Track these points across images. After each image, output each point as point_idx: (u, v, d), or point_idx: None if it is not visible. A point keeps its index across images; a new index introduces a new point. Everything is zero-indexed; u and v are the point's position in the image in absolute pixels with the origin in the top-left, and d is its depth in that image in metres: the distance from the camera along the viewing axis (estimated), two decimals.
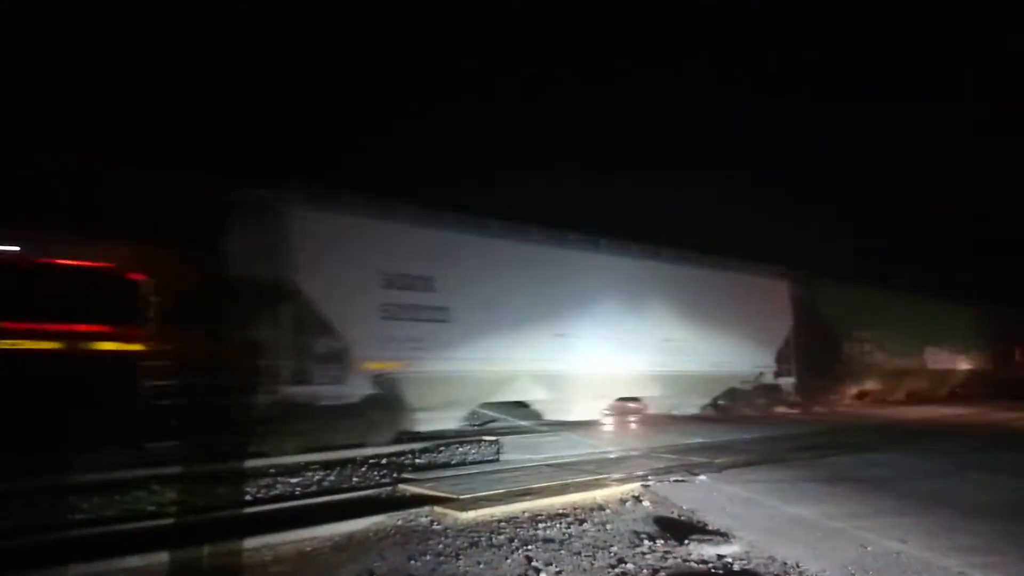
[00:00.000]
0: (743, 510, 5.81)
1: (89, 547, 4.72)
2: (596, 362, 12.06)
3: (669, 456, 8.86)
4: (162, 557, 4.46)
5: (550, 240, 12.05)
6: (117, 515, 5.97)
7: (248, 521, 5.61)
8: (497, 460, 8.77)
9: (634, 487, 6.65)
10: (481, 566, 4.42)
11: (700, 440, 10.57)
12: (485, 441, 9.69)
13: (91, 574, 4.23)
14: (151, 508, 6.20)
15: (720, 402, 14.83)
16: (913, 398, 21.08)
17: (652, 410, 13.78)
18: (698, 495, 6.36)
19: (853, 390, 18.89)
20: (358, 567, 4.41)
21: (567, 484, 6.82)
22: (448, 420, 10.36)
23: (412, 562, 4.50)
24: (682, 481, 6.95)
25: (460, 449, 9.13)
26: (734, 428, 12.20)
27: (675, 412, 14.03)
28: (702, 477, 7.10)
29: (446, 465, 8.39)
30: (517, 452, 9.13)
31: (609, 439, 10.56)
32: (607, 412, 13.16)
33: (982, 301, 24.62)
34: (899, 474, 7.52)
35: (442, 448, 9.04)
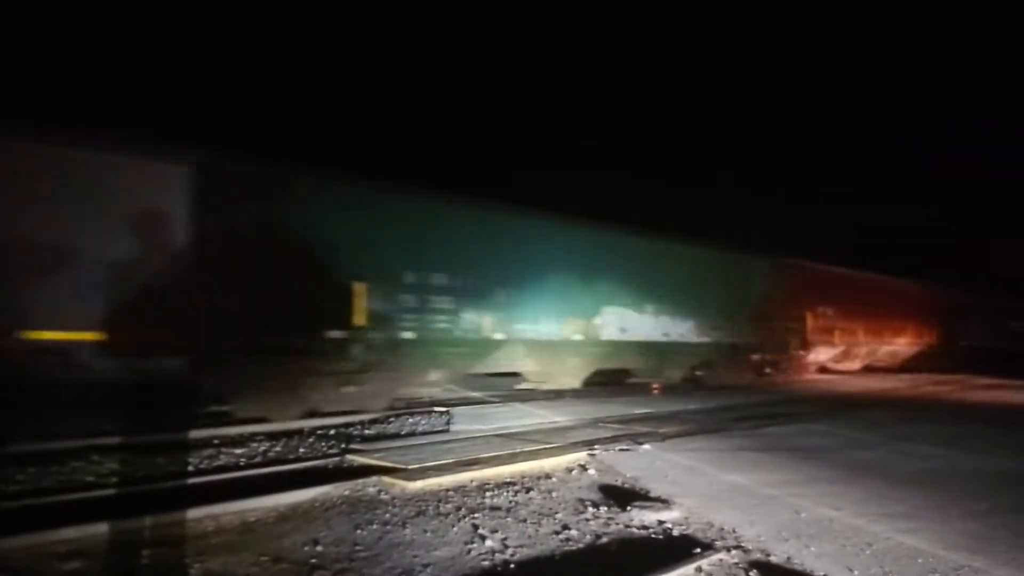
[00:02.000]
0: (684, 478, 5.99)
1: (22, 519, 4.59)
2: None
3: (616, 426, 9.05)
4: (100, 528, 4.37)
5: None
6: (53, 486, 5.80)
7: (190, 492, 5.53)
8: (447, 431, 8.81)
9: (580, 456, 6.79)
10: (428, 534, 4.47)
11: (647, 411, 10.83)
12: (435, 412, 9.71)
13: (23, 547, 4.11)
14: (89, 479, 6.05)
15: None
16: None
17: None
18: (642, 463, 6.53)
19: (382, 381, 9.20)
20: (303, 537, 4.40)
21: (515, 453, 6.92)
22: None
23: (358, 531, 4.51)
24: (627, 450, 7.12)
25: (410, 420, 9.13)
26: (680, 399, 12.51)
27: None
28: (646, 446, 7.29)
29: (395, 435, 8.39)
30: (467, 423, 9.20)
31: (559, 410, 10.71)
32: None
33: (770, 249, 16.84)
34: (834, 444, 7.85)
35: (391, 419, 9.03)
